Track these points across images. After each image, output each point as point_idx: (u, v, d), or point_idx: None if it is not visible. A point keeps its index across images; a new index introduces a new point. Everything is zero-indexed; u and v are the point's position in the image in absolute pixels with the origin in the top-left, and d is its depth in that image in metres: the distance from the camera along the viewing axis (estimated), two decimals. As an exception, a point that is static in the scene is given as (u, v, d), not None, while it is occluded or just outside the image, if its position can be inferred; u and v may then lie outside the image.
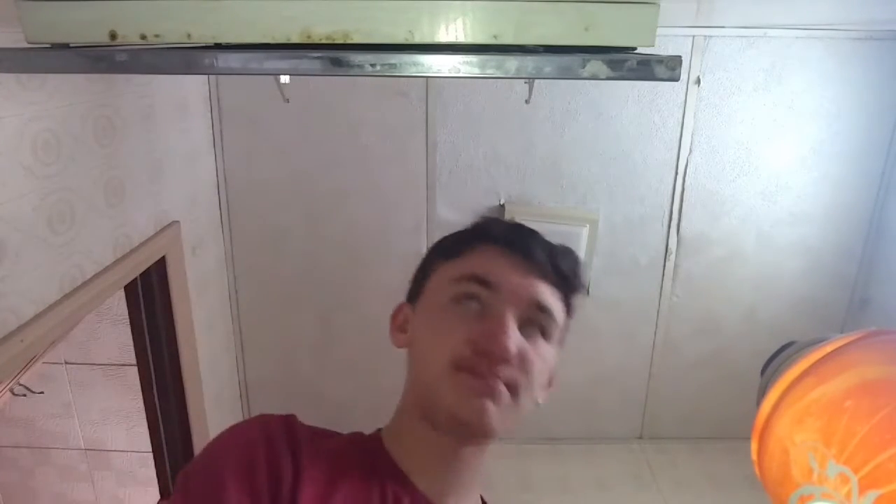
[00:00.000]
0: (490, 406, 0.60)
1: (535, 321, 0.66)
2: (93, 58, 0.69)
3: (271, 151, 2.12)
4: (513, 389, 0.62)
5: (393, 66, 0.66)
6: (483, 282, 0.65)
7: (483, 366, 0.61)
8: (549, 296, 0.67)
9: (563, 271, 0.69)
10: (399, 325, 0.71)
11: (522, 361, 0.63)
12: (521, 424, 0.62)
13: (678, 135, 2.11)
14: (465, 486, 0.67)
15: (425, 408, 0.64)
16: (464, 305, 0.64)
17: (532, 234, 0.71)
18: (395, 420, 0.69)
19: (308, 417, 0.77)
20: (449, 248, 0.70)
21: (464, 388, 0.61)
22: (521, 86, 2.00)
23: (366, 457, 0.65)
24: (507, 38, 0.67)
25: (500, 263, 0.67)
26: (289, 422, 0.64)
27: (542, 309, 0.66)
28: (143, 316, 1.73)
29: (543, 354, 0.66)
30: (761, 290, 2.29)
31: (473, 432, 0.62)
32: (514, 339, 0.62)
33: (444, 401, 0.61)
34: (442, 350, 0.63)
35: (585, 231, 2.14)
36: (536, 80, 1.69)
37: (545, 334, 0.66)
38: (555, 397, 2.42)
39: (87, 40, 0.68)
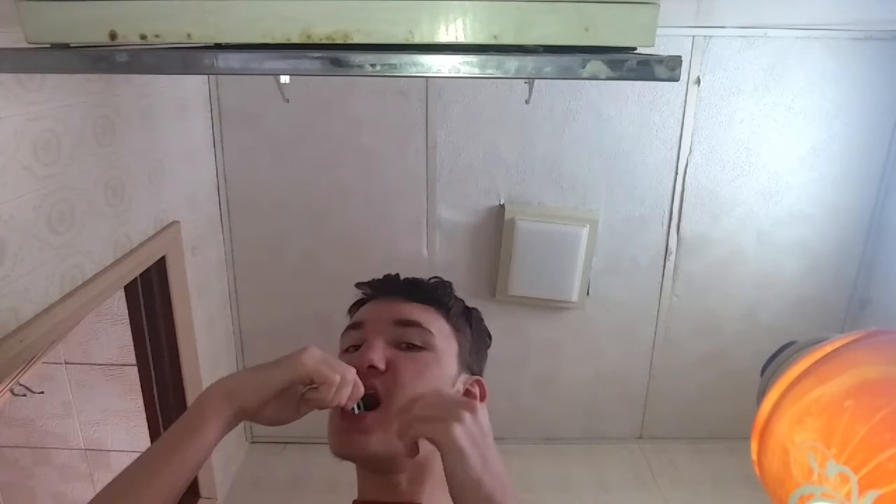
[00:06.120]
0: (359, 438, 0.69)
1: (406, 337, 0.76)
2: (93, 58, 0.69)
3: (271, 151, 2.12)
4: (386, 396, 0.71)
5: (393, 66, 0.66)
6: (354, 326, 0.80)
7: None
8: (411, 310, 0.79)
9: (422, 287, 0.83)
10: None
11: (392, 369, 0.73)
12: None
13: (678, 135, 2.11)
14: (426, 484, 0.75)
15: None
16: (349, 354, 0.76)
17: (395, 277, 0.85)
18: None
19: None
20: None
21: (334, 430, 0.72)
22: (521, 86, 2.00)
23: None
24: (507, 38, 0.67)
25: (367, 308, 0.82)
26: None
27: (405, 323, 0.77)
28: (143, 316, 1.73)
29: (419, 360, 0.75)
30: (761, 290, 2.29)
31: (362, 461, 0.73)
32: (378, 352, 0.73)
33: (332, 448, 0.72)
34: None
35: (585, 231, 2.14)
36: (536, 81, 1.69)
37: (424, 345, 0.76)
38: (555, 397, 2.43)
39: (87, 40, 0.68)
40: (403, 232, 2.21)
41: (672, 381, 2.43)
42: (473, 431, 0.63)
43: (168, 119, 1.75)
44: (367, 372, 0.73)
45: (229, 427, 0.66)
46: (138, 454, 0.65)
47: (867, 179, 2.16)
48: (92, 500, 0.61)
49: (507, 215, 2.15)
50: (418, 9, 0.65)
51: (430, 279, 0.87)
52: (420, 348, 0.77)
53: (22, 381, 2.24)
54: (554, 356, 2.38)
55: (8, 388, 2.17)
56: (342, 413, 0.72)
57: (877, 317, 2.22)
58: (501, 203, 2.18)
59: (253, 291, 2.28)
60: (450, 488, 0.62)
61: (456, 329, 0.83)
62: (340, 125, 2.09)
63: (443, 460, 0.62)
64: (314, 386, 0.67)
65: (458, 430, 0.62)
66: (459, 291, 0.89)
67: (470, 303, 0.89)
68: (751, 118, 2.09)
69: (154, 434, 1.83)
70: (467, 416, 0.64)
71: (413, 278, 0.87)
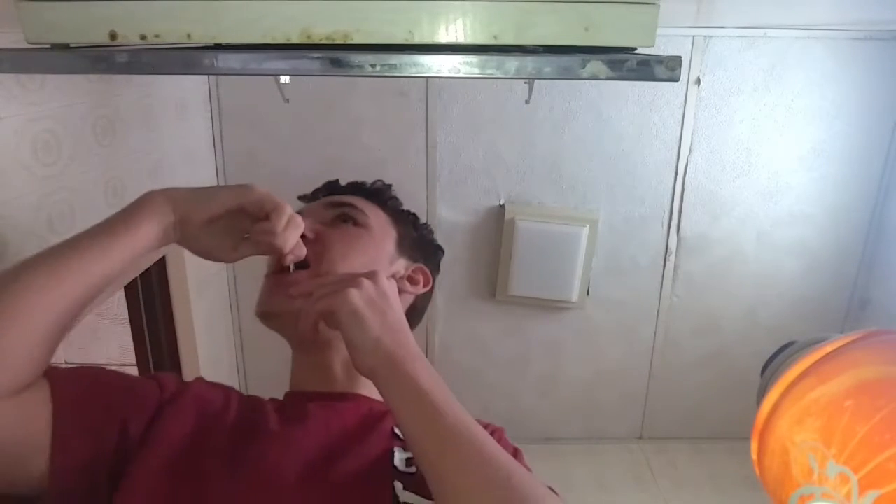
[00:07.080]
0: (283, 293, 0.72)
1: (338, 216, 0.80)
2: (93, 58, 0.69)
3: (271, 151, 2.12)
4: (315, 260, 0.75)
5: (393, 66, 0.66)
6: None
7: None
8: (344, 197, 0.84)
9: (361, 185, 0.88)
10: None
11: (321, 238, 0.77)
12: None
13: (678, 135, 2.11)
14: (346, 379, 0.77)
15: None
16: None
17: (335, 182, 0.90)
18: None
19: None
20: None
21: (262, 290, 0.78)
22: (521, 86, 2.00)
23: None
24: (507, 39, 0.67)
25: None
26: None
27: (337, 204, 0.81)
28: (143, 316, 1.73)
29: (350, 232, 0.79)
30: (761, 290, 2.29)
31: (286, 325, 0.75)
32: (308, 223, 0.76)
33: (257, 308, 0.78)
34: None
35: (585, 231, 2.14)
36: (536, 81, 1.69)
37: (357, 223, 0.80)
38: (555, 397, 2.44)
39: (87, 40, 0.68)
40: (403, 232, 2.21)
41: (672, 381, 2.43)
42: (371, 294, 0.62)
43: (168, 119, 1.75)
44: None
45: (166, 236, 0.66)
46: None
47: (867, 179, 2.16)
48: (19, 266, 0.57)
49: (507, 215, 2.15)
50: (418, 9, 0.65)
51: (372, 182, 0.91)
52: (353, 225, 0.80)
53: (22, 381, 2.24)
54: (554, 356, 2.38)
55: (8, 388, 2.17)
56: (275, 271, 0.75)
57: (877, 317, 2.22)
58: (501, 203, 2.18)
59: (253, 291, 2.27)
60: (350, 354, 0.61)
61: (395, 221, 0.85)
62: (340, 125, 2.09)
63: (340, 329, 0.61)
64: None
65: (354, 294, 0.61)
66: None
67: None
68: (751, 118, 2.09)
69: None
70: (365, 281, 0.63)
71: (354, 181, 0.90)
